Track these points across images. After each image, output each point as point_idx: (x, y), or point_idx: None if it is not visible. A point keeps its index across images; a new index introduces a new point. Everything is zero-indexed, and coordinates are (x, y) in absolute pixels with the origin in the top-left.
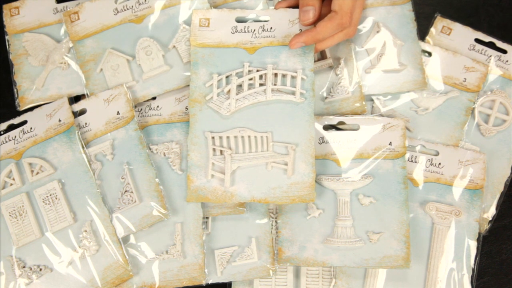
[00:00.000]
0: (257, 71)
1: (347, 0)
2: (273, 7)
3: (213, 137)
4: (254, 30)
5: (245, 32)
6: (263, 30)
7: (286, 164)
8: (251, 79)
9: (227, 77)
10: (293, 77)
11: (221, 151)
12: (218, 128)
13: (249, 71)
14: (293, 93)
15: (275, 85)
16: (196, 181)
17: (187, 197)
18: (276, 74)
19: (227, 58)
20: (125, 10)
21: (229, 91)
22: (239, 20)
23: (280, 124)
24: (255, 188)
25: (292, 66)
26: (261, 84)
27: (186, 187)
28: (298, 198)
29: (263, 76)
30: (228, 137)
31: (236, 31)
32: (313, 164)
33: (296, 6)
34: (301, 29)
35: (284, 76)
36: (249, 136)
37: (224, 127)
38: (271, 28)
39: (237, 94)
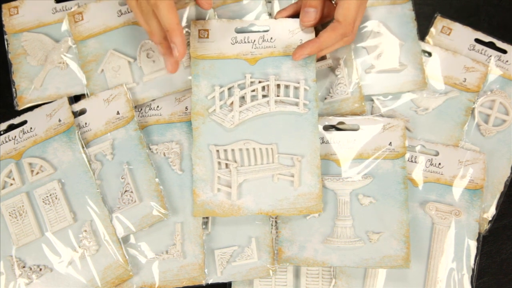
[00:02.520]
0: (259, 82)
1: (351, 10)
2: (273, 16)
3: (217, 150)
4: (254, 41)
5: (245, 42)
6: (263, 41)
7: (292, 176)
8: (253, 90)
9: (229, 89)
10: (295, 88)
11: (226, 164)
12: (222, 141)
13: (251, 82)
14: (297, 104)
15: (278, 96)
16: (202, 196)
17: (194, 212)
18: (278, 85)
19: (228, 69)
20: (129, 12)
21: (232, 103)
22: (239, 31)
23: (285, 136)
24: (262, 200)
25: (294, 76)
26: (263, 96)
27: (186, 187)
28: (305, 209)
29: (266, 88)
30: (233, 150)
31: (236, 42)
32: (319, 175)
33: (296, 15)
34: (301, 39)
35: (286, 87)
36: (254, 149)
37: (228, 140)
38: (271, 38)
39: (240, 106)
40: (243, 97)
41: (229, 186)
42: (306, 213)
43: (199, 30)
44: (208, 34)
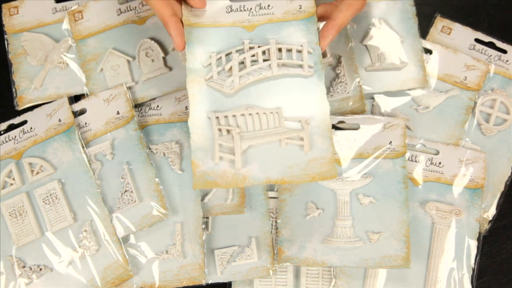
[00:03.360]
0: (259, 47)
1: None
2: None
3: (217, 117)
4: (251, 9)
5: (241, 11)
6: (260, 8)
7: (302, 139)
8: (253, 55)
9: (226, 55)
10: (298, 51)
11: (228, 130)
12: (221, 108)
13: (250, 47)
14: (301, 67)
15: (280, 59)
16: (202, 166)
17: (193, 184)
18: (280, 49)
19: (224, 36)
20: (128, 11)
21: (230, 68)
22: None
23: (290, 100)
24: (269, 168)
25: (295, 41)
26: (265, 60)
27: (186, 187)
28: (318, 176)
29: (266, 52)
30: (234, 116)
31: (231, 10)
32: (330, 138)
33: None
34: (300, 5)
35: (288, 50)
36: (257, 113)
37: (228, 106)
38: (268, 5)
39: (239, 71)
40: (242, 63)
41: (232, 153)
42: (320, 179)
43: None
44: None
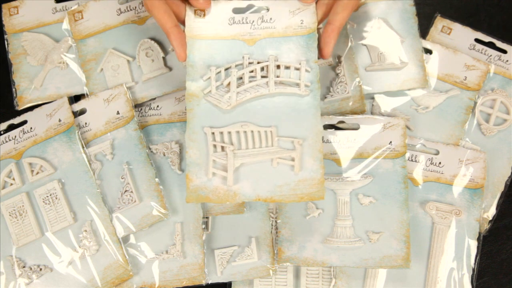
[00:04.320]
0: (258, 63)
1: None
2: None
3: (213, 133)
4: (253, 21)
5: (243, 23)
6: (262, 21)
7: (293, 160)
8: (252, 71)
9: (226, 69)
10: (296, 69)
11: (222, 147)
12: (218, 123)
13: (250, 63)
14: (298, 86)
15: (278, 77)
16: (196, 180)
17: (187, 198)
18: (278, 66)
19: (225, 50)
20: (128, 10)
21: (229, 84)
22: (237, 11)
23: (285, 118)
24: (260, 186)
25: (295, 58)
26: (263, 77)
27: (186, 187)
28: (306, 196)
29: (265, 68)
30: (229, 132)
31: (233, 23)
32: (321, 160)
33: None
34: (302, 20)
35: (287, 68)
36: (252, 131)
37: (224, 122)
38: (270, 19)
39: (237, 87)
40: (241, 78)
41: (225, 170)
42: (307, 200)
43: (195, 10)
44: (204, 14)
